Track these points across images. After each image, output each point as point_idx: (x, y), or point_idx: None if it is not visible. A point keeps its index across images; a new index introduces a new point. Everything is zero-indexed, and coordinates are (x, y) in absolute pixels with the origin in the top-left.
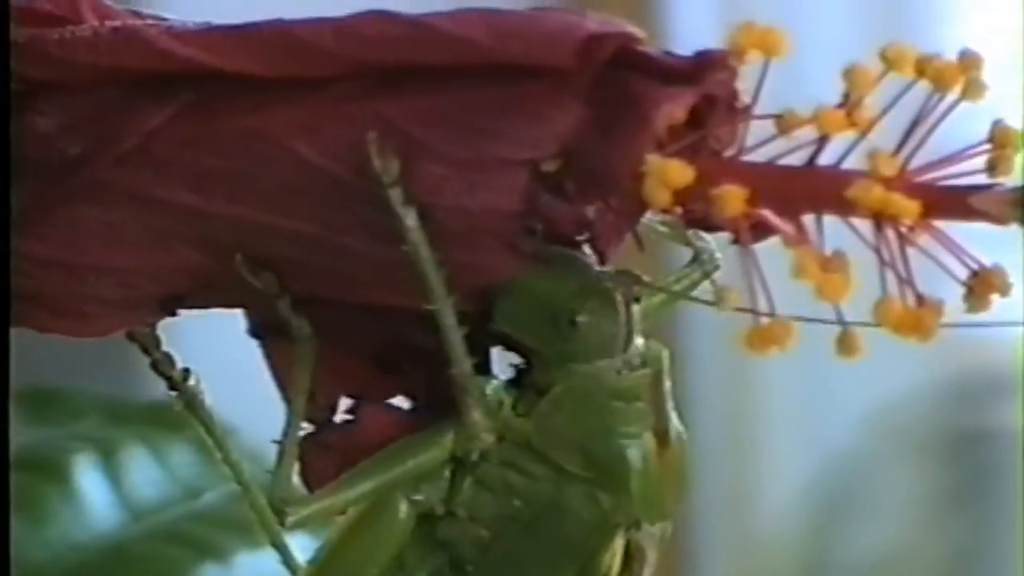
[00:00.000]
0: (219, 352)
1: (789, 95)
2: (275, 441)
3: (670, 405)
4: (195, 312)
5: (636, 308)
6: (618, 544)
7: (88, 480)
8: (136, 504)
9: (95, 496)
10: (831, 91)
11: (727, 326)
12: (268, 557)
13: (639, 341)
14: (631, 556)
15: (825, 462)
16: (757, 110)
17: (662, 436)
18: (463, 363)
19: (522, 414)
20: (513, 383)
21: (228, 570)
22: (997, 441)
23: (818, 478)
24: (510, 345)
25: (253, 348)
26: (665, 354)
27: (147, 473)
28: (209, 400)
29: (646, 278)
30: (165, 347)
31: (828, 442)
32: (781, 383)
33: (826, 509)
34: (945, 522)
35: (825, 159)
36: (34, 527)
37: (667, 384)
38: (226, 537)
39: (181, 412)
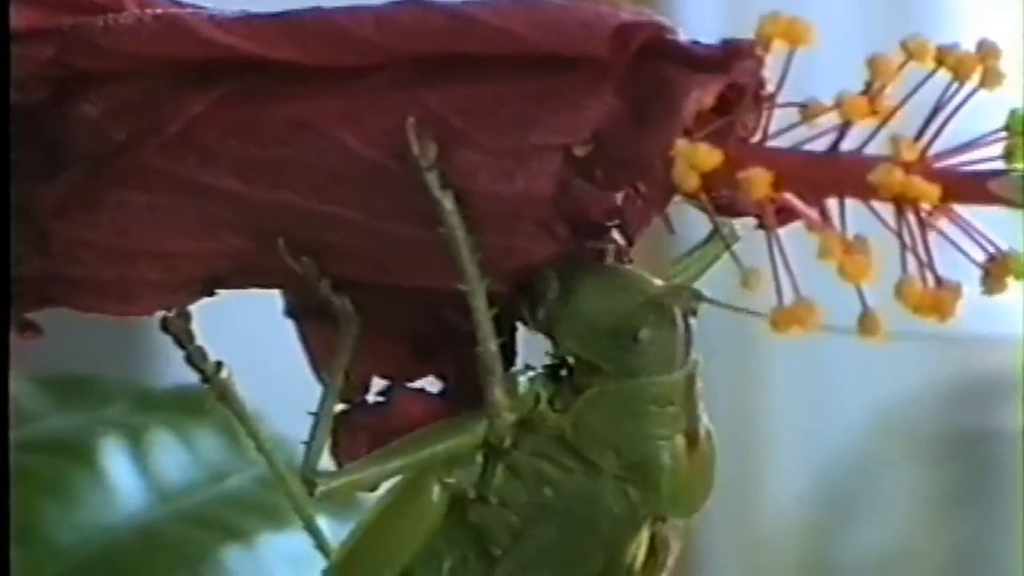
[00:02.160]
0: (242, 340)
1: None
2: (310, 413)
3: (701, 406)
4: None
5: (693, 322)
6: (644, 535)
7: (116, 464)
8: (163, 487)
9: (123, 479)
10: (834, 81)
11: (732, 326)
12: (292, 539)
13: None
14: (656, 547)
15: (828, 462)
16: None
17: (693, 437)
18: (489, 343)
19: (558, 409)
20: (550, 376)
21: (253, 552)
22: (998, 442)
23: (821, 478)
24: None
25: (274, 336)
26: (698, 358)
27: (173, 457)
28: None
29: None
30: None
31: (831, 442)
32: (784, 383)
33: (829, 508)
34: (947, 522)
35: (845, 147)
36: (64, 510)
37: (699, 386)
38: (251, 520)
39: (206, 398)
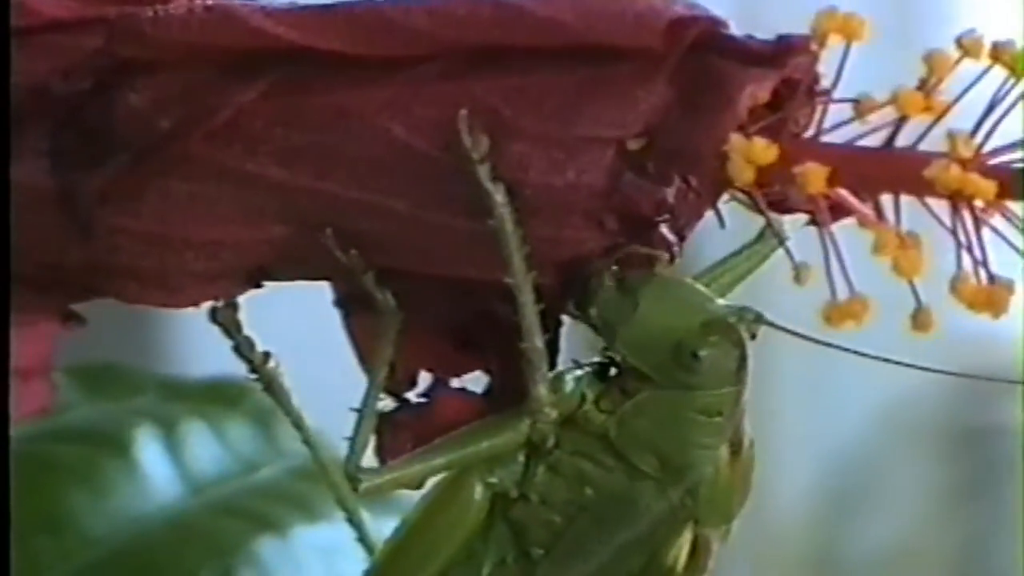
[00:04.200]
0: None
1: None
2: (353, 409)
3: (746, 419)
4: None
5: (751, 343)
6: (686, 538)
7: (149, 454)
8: (195, 478)
9: (155, 469)
10: (855, 80)
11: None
12: (325, 531)
13: None
14: (698, 550)
15: (833, 458)
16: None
17: (736, 447)
18: (534, 338)
19: (605, 410)
20: (597, 375)
21: (285, 543)
22: (1004, 437)
23: (826, 474)
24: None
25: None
26: (748, 371)
27: (206, 448)
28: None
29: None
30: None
31: (836, 438)
32: (790, 379)
33: (834, 504)
34: (952, 517)
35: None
36: (96, 499)
37: (745, 398)
38: (283, 511)
39: (239, 388)
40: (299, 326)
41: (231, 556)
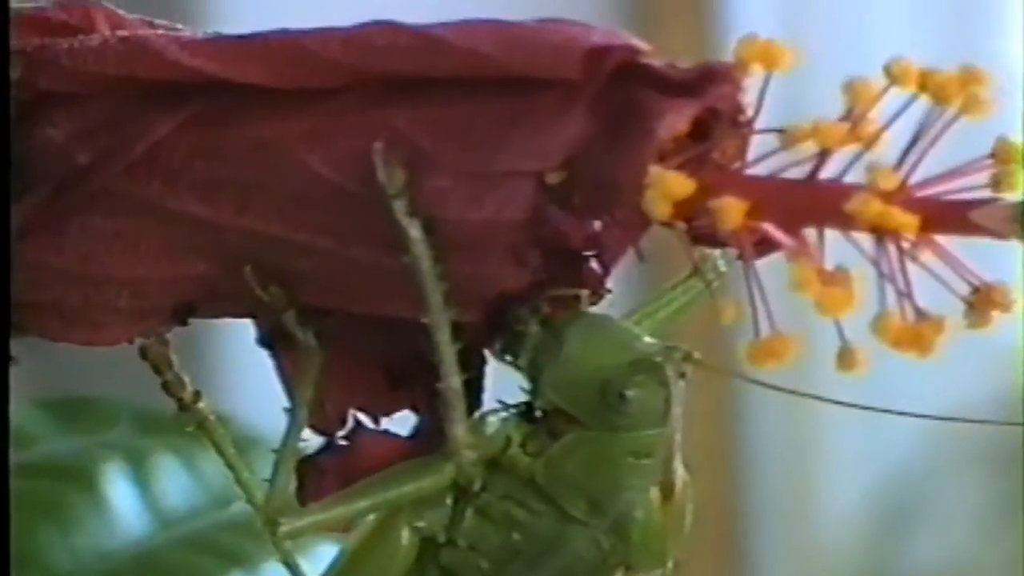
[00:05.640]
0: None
1: None
2: (273, 451)
3: (678, 458)
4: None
5: (681, 384)
6: None
7: (117, 488)
8: (165, 512)
9: (124, 504)
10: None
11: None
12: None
13: None
14: None
15: (886, 472)
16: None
17: (668, 489)
18: (452, 378)
19: (531, 453)
20: (523, 417)
21: None
22: None
23: (879, 487)
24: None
25: None
26: (678, 412)
27: (176, 481)
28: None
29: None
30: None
31: (889, 452)
32: (842, 393)
33: (887, 518)
34: (1005, 532)
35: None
36: (62, 535)
37: (677, 439)
38: (254, 546)
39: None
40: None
41: None
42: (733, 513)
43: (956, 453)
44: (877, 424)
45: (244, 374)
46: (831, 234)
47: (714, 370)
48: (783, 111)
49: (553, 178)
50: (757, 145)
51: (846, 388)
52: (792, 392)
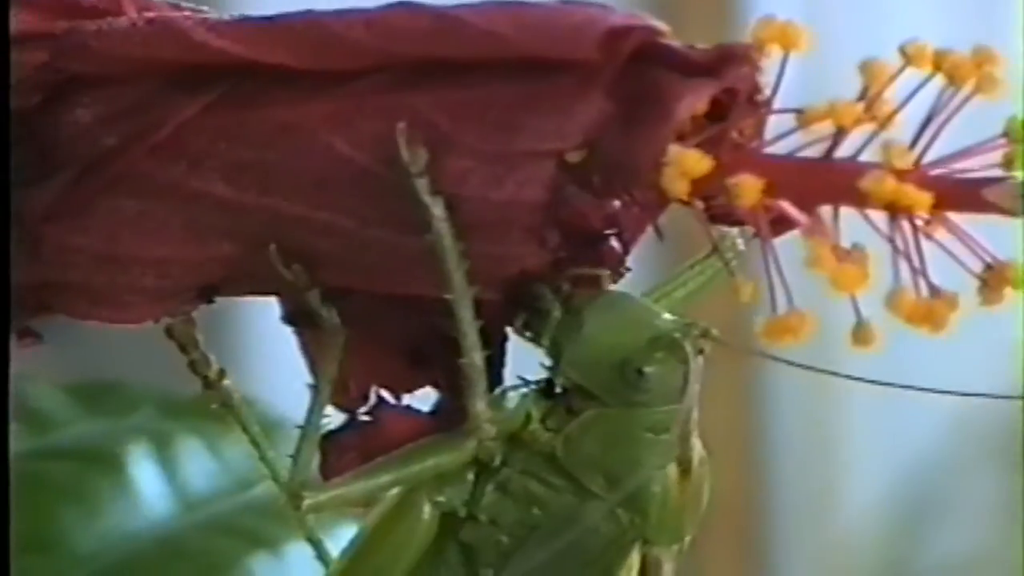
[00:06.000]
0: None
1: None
2: (298, 427)
3: (696, 435)
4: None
5: (700, 360)
6: (635, 558)
7: (142, 471)
8: (189, 495)
9: (149, 487)
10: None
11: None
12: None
13: None
14: (647, 570)
15: (907, 466)
16: (782, 104)
17: (686, 465)
18: (473, 354)
19: (551, 429)
20: (543, 394)
21: (279, 560)
22: None
23: (900, 482)
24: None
25: None
26: (696, 388)
27: (200, 465)
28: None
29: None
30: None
31: (910, 446)
32: (861, 388)
33: (908, 513)
34: None
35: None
36: (88, 518)
37: (695, 416)
38: (277, 528)
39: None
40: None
41: (224, 573)
42: (753, 504)
43: (978, 447)
44: (900, 416)
45: (270, 357)
46: (849, 213)
47: (733, 348)
48: (804, 93)
49: (572, 158)
50: (775, 125)
51: (867, 374)
52: (809, 368)
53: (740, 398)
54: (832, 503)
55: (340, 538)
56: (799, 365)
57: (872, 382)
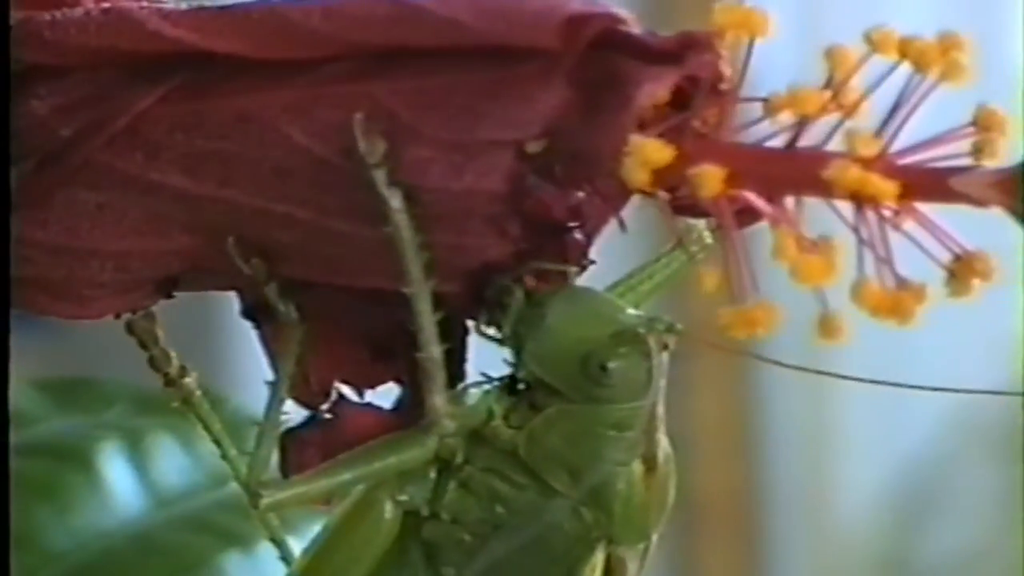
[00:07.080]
0: None
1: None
2: (255, 423)
3: (661, 431)
4: None
5: (664, 355)
6: (599, 557)
7: (114, 468)
8: (161, 492)
9: (121, 484)
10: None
11: (805, 325)
12: (292, 545)
13: None
14: (612, 569)
15: (903, 461)
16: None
17: (651, 462)
18: (431, 348)
19: (513, 425)
20: (506, 390)
21: (252, 558)
22: None
23: (896, 477)
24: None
25: None
26: (661, 384)
27: (173, 461)
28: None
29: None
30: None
31: (907, 441)
32: (857, 383)
33: (904, 507)
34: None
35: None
36: (60, 515)
37: (660, 412)
38: (250, 525)
39: (211, 401)
40: None
41: (197, 571)
42: (750, 500)
43: (975, 442)
44: (897, 411)
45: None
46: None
47: (702, 343)
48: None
49: (533, 148)
50: (746, 114)
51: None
52: (803, 369)
53: (736, 394)
54: (829, 498)
55: (311, 536)
56: (792, 367)
57: (861, 380)
